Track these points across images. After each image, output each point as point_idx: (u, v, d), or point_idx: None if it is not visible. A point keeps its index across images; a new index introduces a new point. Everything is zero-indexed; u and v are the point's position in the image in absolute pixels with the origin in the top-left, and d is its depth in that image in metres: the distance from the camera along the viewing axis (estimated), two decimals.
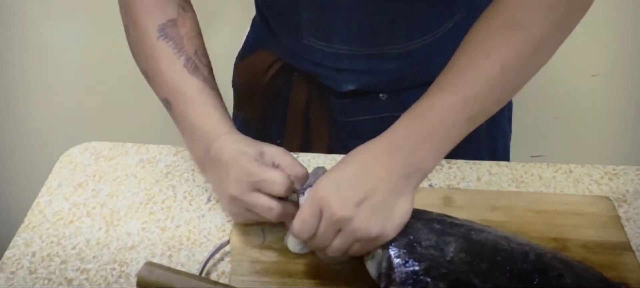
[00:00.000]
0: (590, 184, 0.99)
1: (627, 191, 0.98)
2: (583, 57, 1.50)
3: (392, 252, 0.77)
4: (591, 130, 1.69)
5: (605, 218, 0.91)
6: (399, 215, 0.77)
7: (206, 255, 0.87)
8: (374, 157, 0.79)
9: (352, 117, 1.10)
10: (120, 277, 0.85)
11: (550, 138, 1.67)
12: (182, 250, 0.89)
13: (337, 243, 0.77)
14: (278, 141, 1.15)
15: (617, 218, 0.91)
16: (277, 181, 0.80)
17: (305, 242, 0.80)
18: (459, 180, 1.00)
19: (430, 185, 0.98)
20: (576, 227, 0.89)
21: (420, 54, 1.02)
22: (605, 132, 1.69)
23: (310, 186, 0.79)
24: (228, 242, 0.88)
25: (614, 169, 1.02)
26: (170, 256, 0.88)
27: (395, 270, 0.76)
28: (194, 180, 0.99)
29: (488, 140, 1.14)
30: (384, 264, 0.78)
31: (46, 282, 0.84)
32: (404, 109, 0.89)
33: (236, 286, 0.81)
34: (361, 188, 0.76)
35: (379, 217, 0.76)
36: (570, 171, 1.01)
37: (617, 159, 1.08)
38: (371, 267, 0.80)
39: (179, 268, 0.86)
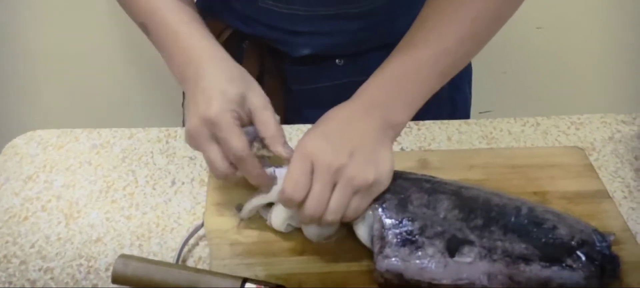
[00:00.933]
0: (558, 135, 0.99)
1: (595, 139, 0.98)
2: (527, 10, 1.50)
3: (384, 212, 0.75)
4: (538, 83, 1.71)
5: (579, 168, 0.91)
6: (387, 164, 0.75)
7: (180, 241, 0.82)
8: (352, 115, 0.78)
9: (308, 84, 1.06)
10: (88, 273, 0.79)
11: (498, 93, 1.68)
12: (152, 238, 0.83)
13: (336, 200, 0.72)
14: None
15: (591, 166, 0.91)
16: (235, 147, 0.73)
17: (296, 213, 0.76)
18: (430, 141, 0.97)
19: (402, 149, 0.96)
20: (553, 178, 0.89)
21: (383, 13, 0.98)
22: (551, 84, 1.71)
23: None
24: (202, 225, 0.83)
25: (579, 119, 1.02)
26: (140, 246, 0.82)
27: (389, 231, 0.74)
28: (154, 163, 0.93)
29: (449, 103, 1.12)
30: (376, 226, 0.75)
31: (7, 285, 0.77)
32: (362, 74, 0.87)
33: (219, 271, 0.76)
34: (349, 140, 0.74)
35: (371, 165, 0.74)
36: (538, 124, 1.01)
37: (566, 110, 1.08)
38: (362, 231, 0.77)
39: (151, 258, 0.81)
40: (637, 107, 1.21)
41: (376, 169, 0.74)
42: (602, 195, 0.87)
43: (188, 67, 0.78)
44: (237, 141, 0.74)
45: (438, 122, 1.01)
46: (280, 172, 0.77)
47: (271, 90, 1.07)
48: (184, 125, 0.99)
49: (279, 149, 0.76)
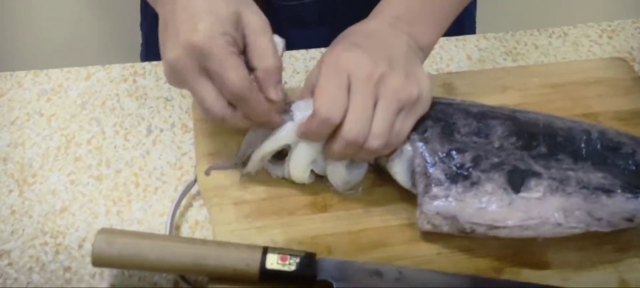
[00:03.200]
0: (591, 46, 0.86)
1: (632, 48, 0.86)
2: None
3: (426, 143, 0.61)
4: None
5: (627, 82, 0.78)
6: (426, 81, 0.63)
7: (169, 204, 0.65)
8: (378, 29, 0.65)
9: (290, 0, 0.89)
10: (57, 252, 0.62)
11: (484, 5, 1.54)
12: (132, 202, 0.66)
13: (381, 118, 0.58)
14: None
15: (639, 79, 0.79)
16: (233, 82, 0.57)
17: (320, 156, 0.62)
18: (448, 62, 0.83)
19: None
20: (601, 96, 0.76)
21: None
22: None
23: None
24: (195, 182, 0.67)
25: (609, 25, 0.89)
26: (118, 213, 0.65)
27: (434, 166, 0.60)
28: (122, 108, 0.75)
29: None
30: (418, 160, 0.60)
31: None
32: None
33: (225, 240, 0.60)
34: (382, 51, 0.61)
35: (412, 78, 0.61)
36: (565, 34, 0.88)
37: (560, 20, 0.96)
38: (399, 168, 0.63)
39: (135, 227, 0.65)
40: None
41: (418, 84, 0.61)
42: None
43: None
44: (235, 74, 0.57)
45: (452, 38, 0.86)
46: (297, 106, 0.62)
47: None
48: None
49: (269, 91, 0.60)
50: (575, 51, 0.85)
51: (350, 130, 0.58)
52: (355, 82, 0.58)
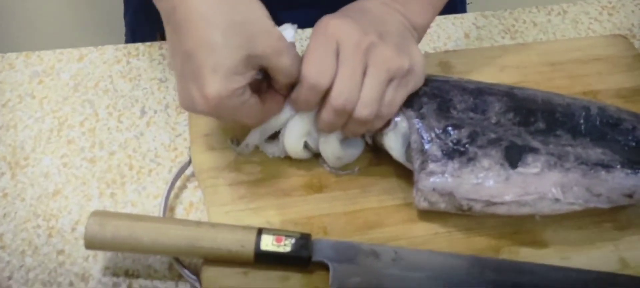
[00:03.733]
0: (590, 23, 0.85)
1: (633, 25, 0.85)
2: None
3: (422, 119, 0.60)
4: None
5: (628, 59, 0.77)
6: (420, 56, 0.62)
7: (163, 186, 0.65)
8: (371, 7, 0.64)
9: None
10: (50, 236, 0.61)
11: None
12: (126, 185, 0.66)
13: (369, 86, 0.57)
14: None
15: (639, 56, 0.78)
16: (248, 123, 0.60)
17: (315, 128, 0.61)
18: (445, 41, 0.82)
19: None
20: (601, 74, 0.75)
21: None
22: None
23: None
24: (189, 163, 0.66)
25: (609, 2, 0.88)
26: (112, 195, 0.65)
27: (431, 142, 0.59)
28: (115, 90, 0.74)
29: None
30: (414, 137, 0.60)
31: None
32: None
33: (220, 221, 0.60)
34: (373, 24, 0.60)
35: (403, 51, 0.60)
36: (564, 11, 0.86)
37: None
38: (393, 142, 0.62)
39: (129, 210, 0.64)
40: None
41: (410, 57, 0.60)
42: None
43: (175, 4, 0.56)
44: (249, 119, 0.59)
45: (450, 16, 0.85)
46: None
47: None
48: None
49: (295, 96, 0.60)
50: (575, 28, 0.84)
51: (338, 96, 0.57)
52: (343, 49, 0.57)
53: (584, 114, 0.61)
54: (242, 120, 0.58)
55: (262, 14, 0.56)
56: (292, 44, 0.59)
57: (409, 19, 0.64)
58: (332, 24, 0.59)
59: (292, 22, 0.62)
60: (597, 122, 0.61)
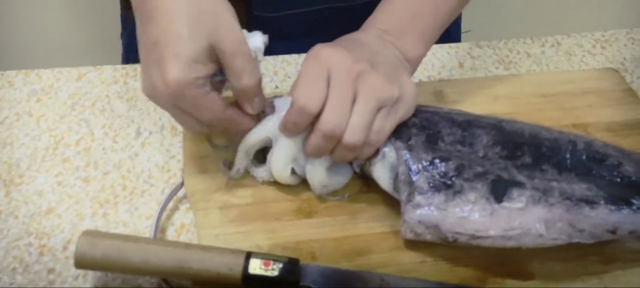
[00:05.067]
0: (583, 56, 0.86)
1: (625, 59, 0.86)
2: None
3: (410, 151, 0.61)
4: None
5: (618, 93, 0.78)
6: (411, 87, 0.63)
7: (156, 207, 0.65)
8: (365, 39, 0.65)
9: (274, 11, 0.89)
10: (41, 254, 0.62)
11: (476, 13, 1.54)
12: (119, 205, 0.66)
13: (359, 113, 0.59)
14: None
15: (631, 91, 0.79)
16: (207, 119, 0.59)
17: (301, 154, 0.62)
18: (439, 70, 0.83)
19: None
20: (592, 107, 0.76)
21: None
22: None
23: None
24: (182, 185, 0.67)
25: (603, 35, 0.89)
26: (104, 215, 0.65)
27: (418, 174, 0.59)
28: (112, 110, 0.75)
29: None
30: (402, 168, 0.60)
31: None
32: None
33: (210, 244, 0.60)
34: (365, 54, 0.61)
35: (394, 80, 0.61)
36: (558, 43, 0.87)
37: (553, 29, 0.96)
38: (381, 173, 0.62)
39: (120, 230, 0.64)
40: None
41: (400, 86, 0.61)
42: None
43: None
44: (208, 113, 0.59)
45: (445, 45, 0.86)
46: (283, 102, 0.62)
47: None
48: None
49: (246, 108, 0.62)
50: (568, 61, 0.85)
51: (328, 121, 0.58)
52: (334, 76, 0.59)
53: (570, 148, 0.62)
54: (201, 114, 0.58)
55: (227, 12, 0.58)
56: (257, 50, 0.60)
57: (402, 51, 0.65)
58: (324, 51, 0.60)
59: (286, 52, 0.63)
60: (583, 157, 0.62)
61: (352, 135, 0.59)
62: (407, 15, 0.67)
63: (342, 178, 0.65)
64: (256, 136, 0.63)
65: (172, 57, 0.55)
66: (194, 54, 0.56)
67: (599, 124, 0.74)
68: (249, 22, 0.88)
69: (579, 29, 0.89)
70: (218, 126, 0.61)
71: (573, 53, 0.86)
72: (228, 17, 0.58)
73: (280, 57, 0.82)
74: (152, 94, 0.58)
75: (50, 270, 0.61)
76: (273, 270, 0.56)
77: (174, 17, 0.56)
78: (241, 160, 0.64)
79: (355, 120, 0.59)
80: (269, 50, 0.78)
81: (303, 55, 0.83)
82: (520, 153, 0.62)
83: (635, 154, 0.63)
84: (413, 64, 0.67)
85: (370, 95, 0.59)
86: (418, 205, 0.59)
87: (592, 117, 0.75)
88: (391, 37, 0.66)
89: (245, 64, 0.59)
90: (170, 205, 0.66)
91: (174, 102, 0.58)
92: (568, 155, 0.62)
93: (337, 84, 0.58)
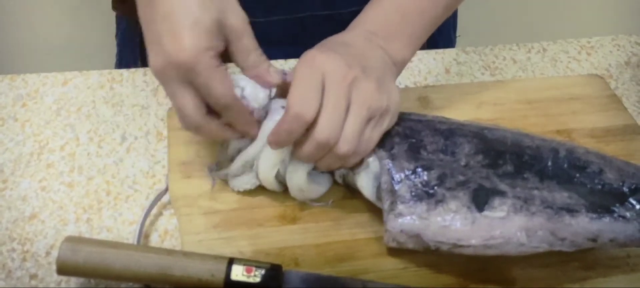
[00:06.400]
0: (569, 62, 0.86)
1: (610, 65, 0.86)
2: None
3: (393, 160, 0.61)
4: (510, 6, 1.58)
5: (603, 99, 0.78)
6: (396, 95, 0.63)
7: (140, 213, 0.65)
8: (353, 40, 0.65)
9: (260, 17, 0.89)
10: (24, 260, 0.62)
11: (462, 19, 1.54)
12: (103, 210, 0.66)
13: (352, 124, 0.59)
14: None
15: (615, 97, 0.79)
16: (219, 94, 0.58)
17: (288, 158, 0.62)
18: (426, 75, 0.83)
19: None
20: (576, 113, 0.76)
21: None
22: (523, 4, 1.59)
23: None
24: (166, 191, 0.67)
25: (589, 42, 0.89)
26: (88, 220, 0.65)
27: (400, 183, 0.60)
28: (97, 115, 0.75)
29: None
30: (385, 177, 0.60)
31: None
32: (326, 7, 0.77)
33: (194, 250, 0.60)
34: (357, 58, 0.61)
35: (383, 89, 0.61)
36: (544, 49, 0.88)
37: (539, 35, 0.96)
38: (365, 182, 0.63)
39: (104, 235, 0.64)
40: None
41: (388, 96, 0.62)
42: (633, 130, 0.75)
43: None
44: (221, 86, 0.58)
45: (431, 51, 0.86)
46: (275, 105, 0.62)
47: None
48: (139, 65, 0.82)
49: (263, 74, 0.61)
50: (554, 67, 0.85)
51: (323, 130, 0.58)
52: (329, 83, 0.59)
53: (552, 156, 0.62)
54: (213, 88, 0.57)
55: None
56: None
57: (389, 55, 0.66)
58: (318, 58, 0.60)
59: (273, 59, 0.63)
60: (565, 165, 0.62)
61: (345, 144, 0.59)
62: (396, 17, 0.67)
63: (320, 187, 0.65)
64: (256, 148, 0.63)
65: (187, 25, 0.56)
66: (209, 25, 0.56)
67: (583, 130, 0.74)
68: None
69: (565, 36, 0.90)
70: (226, 113, 0.60)
71: (559, 59, 0.86)
72: (235, 3, 0.60)
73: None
74: (165, 65, 0.57)
75: (33, 276, 0.61)
76: (255, 276, 0.57)
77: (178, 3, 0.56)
78: (237, 169, 0.64)
79: (348, 130, 0.59)
80: None
81: (290, 61, 0.83)
82: (502, 162, 0.62)
83: (618, 161, 0.63)
84: (399, 67, 0.68)
85: (363, 105, 0.59)
86: (400, 214, 0.59)
87: (576, 123, 0.75)
88: (379, 39, 0.66)
89: (251, 41, 0.60)
90: (155, 210, 0.66)
91: (186, 74, 0.57)
92: (550, 163, 0.62)
93: (331, 91, 0.59)
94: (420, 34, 0.69)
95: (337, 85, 0.59)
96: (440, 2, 0.69)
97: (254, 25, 0.84)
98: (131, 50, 0.92)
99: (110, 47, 0.98)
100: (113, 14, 0.97)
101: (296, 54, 0.67)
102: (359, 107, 0.59)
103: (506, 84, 0.80)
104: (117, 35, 1.01)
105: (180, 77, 0.56)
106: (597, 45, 0.89)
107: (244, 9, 0.83)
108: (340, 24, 0.69)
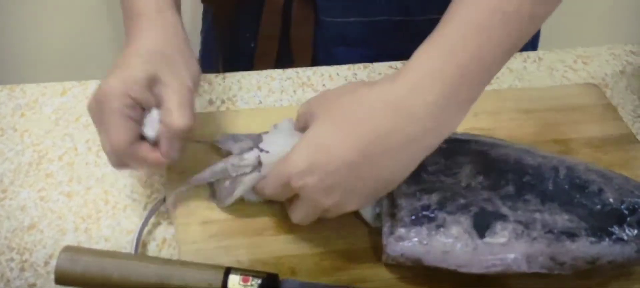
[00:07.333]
0: (565, 71, 0.86)
1: (606, 74, 0.87)
2: None
3: None
4: None
5: (599, 108, 0.79)
6: (394, 182, 0.58)
7: (138, 222, 0.66)
8: (380, 107, 0.56)
9: (340, 17, 0.89)
10: (22, 270, 0.62)
11: None
12: (101, 220, 0.67)
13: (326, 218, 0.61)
14: (252, 44, 0.93)
15: (611, 105, 0.79)
16: (110, 141, 0.60)
17: None
18: None
19: None
20: (573, 123, 0.77)
21: None
22: None
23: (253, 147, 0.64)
24: (163, 201, 0.67)
25: (585, 51, 0.90)
26: (87, 230, 0.66)
27: (401, 207, 0.60)
28: None
29: None
30: (385, 202, 0.61)
31: None
32: (402, 13, 0.75)
33: (191, 259, 0.61)
34: (350, 173, 0.56)
35: (370, 192, 0.59)
36: (540, 58, 0.88)
37: (540, 44, 0.97)
38: (365, 209, 0.63)
39: (102, 245, 0.65)
40: None
41: (391, 170, 0.57)
42: (629, 139, 0.75)
43: (129, 19, 0.66)
44: (115, 136, 0.59)
45: None
46: (277, 127, 0.64)
47: (299, 21, 0.90)
48: None
49: (163, 149, 0.61)
50: (550, 76, 0.86)
51: (294, 219, 0.62)
52: (302, 199, 0.59)
53: (553, 175, 0.62)
54: (109, 134, 0.59)
55: (184, 64, 0.63)
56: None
57: (436, 121, 0.56)
58: (294, 174, 0.57)
59: (347, 59, 0.66)
60: (566, 186, 0.61)
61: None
62: (456, 72, 0.55)
63: None
64: (254, 180, 0.63)
65: (120, 68, 0.60)
66: (140, 76, 0.60)
67: (580, 139, 0.74)
68: (315, 27, 0.89)
69: (561, 45, 0.90)
70: (124, 161, 0.61)
71: (555, 68, 0.87)
72: (186, 60, 0.63)
73: (264, 72, 0.83)
74: (92, 98, 0.61)
75: (31, 286, 0.61)
76: (252, 286, 0.57)
77: (133, 49, 0.62)
78: (236, 198, 0.65)
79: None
80: (332, 56, 0.78)
81: (287, 71, 0.83)
82: (504, 182, 0.61)
83: (618, 177, 0.63)
84: (439, 140, 0.57)
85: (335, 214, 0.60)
86: (400, 238, 0.59)
87: (573, 133, 0.75)
88: (432, 106, 0.55)
89: (180, 104, 0.60)
90: (153, 220, 0.66)
91: (98, 113, 0.60)
92: (551, 184, 0.61)
93: (303, 205, 0.60)
94: (478, 94, 0.58)
95: (309, 204, 0.59)
96: (506, 42, 0.55)
97: (331, 25, 0.85)
98: (213, 48, 0.94)
99: (108, 57, 0.99)
100: (111, 25, 0.98)
101: (371, 55, 0.66)
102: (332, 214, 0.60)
103: (502, 93, 0.80)
104: (201, 31, 1.03)
105: (95, 113, 0.60)
106: (593, 54, 0.89)
107: (323, 9, 0.84)
108: (414, 30, 0.68)
